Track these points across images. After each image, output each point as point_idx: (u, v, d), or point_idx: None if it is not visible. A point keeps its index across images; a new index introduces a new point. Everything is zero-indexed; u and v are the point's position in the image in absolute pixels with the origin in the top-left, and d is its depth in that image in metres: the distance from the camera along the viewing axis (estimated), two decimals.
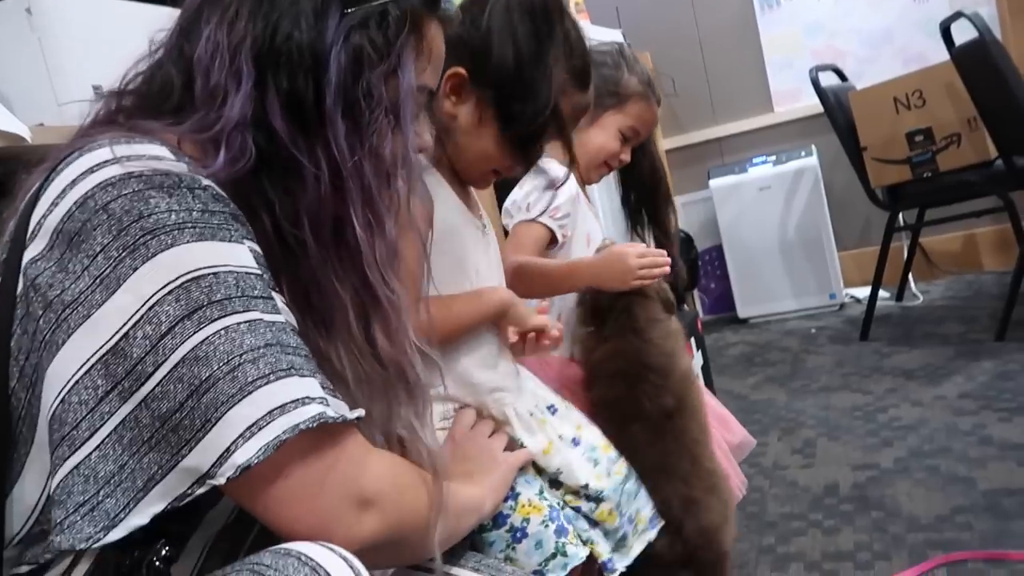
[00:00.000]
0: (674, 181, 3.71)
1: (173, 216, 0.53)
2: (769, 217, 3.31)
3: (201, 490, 0.51)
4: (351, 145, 0.60)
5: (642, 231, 1.59)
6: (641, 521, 1.07)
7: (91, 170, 0.55)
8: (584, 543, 0.95)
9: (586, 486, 0.98)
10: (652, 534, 1.07)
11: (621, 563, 1.01)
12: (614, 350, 1.31)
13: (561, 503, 0.97)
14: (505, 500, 0.88)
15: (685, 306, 3.11)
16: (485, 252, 1.05)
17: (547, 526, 0.89)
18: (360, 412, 0.58)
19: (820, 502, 1.69)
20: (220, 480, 0.50)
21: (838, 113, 2.77)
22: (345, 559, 0.53)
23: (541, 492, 0.93)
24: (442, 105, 0.94)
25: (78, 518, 0.51)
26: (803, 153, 3.27)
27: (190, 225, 0.54)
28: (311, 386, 0.54)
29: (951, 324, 2.73)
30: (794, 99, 3.48)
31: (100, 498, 0.51)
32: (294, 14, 0.61)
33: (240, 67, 0.59)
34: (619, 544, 1.02)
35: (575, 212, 1.43)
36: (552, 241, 1.39)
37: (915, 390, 2.18)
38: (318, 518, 0.55)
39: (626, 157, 1.50)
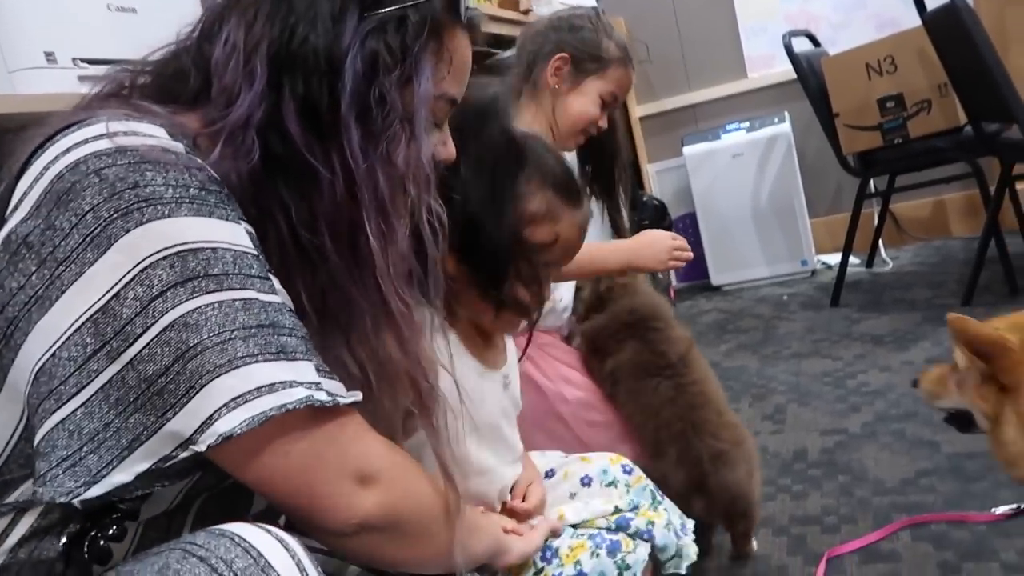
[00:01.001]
0: (648, 148, 3.70)
1: (170, 191, 0.53)
2: (742, 184, 3.32)
3: (185, 454, 0.51)
4: (364, 151, 0.60)
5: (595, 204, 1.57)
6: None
7: (85, 141, 0.54)
8: (639, 540, 0.91)
9: (616, 508, 0.95)
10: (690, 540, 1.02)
11: (682, 566, 0.98)
12: (617, 310, 1.39)
13: (597, 531, 0.92)
14: (549, 562, 0.85)
15: (659, 274, 3.12)
16: (500, 404, 0.95)
17: (598, 555, 0.87)
18: (356, 395, 0.58)
19: (789, 467, 1.72)
20: (201, 447, 0.51)
21: (811, 79, 2.76)
22: (281, 541, 0.53)
23: (575, 534, 0.90)
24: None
25: (60, 472, 0.51)
26: (776, 120, 3.27)
27: (187, 200, 0.54)
28: (302, 369, 0.55)
29: (920, 289, 2.77)
30: (767, 65, 3.46)
31: (83, 454, 0.51)
32: (311, 17, 0.60)
33: (254, 68, 0.59)
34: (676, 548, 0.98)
35: None
36: None
37: (883, 356, 2.21)
38: (316, 491, 0.56)
39: (604, 123, 1.49)
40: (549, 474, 1.03)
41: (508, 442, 0.97)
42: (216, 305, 0.52)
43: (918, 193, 3.07)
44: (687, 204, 3.51)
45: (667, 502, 1.01)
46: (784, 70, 3.16)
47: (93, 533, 0.55)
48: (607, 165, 1.56)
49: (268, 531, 0.53)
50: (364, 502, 0.57)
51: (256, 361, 0.52)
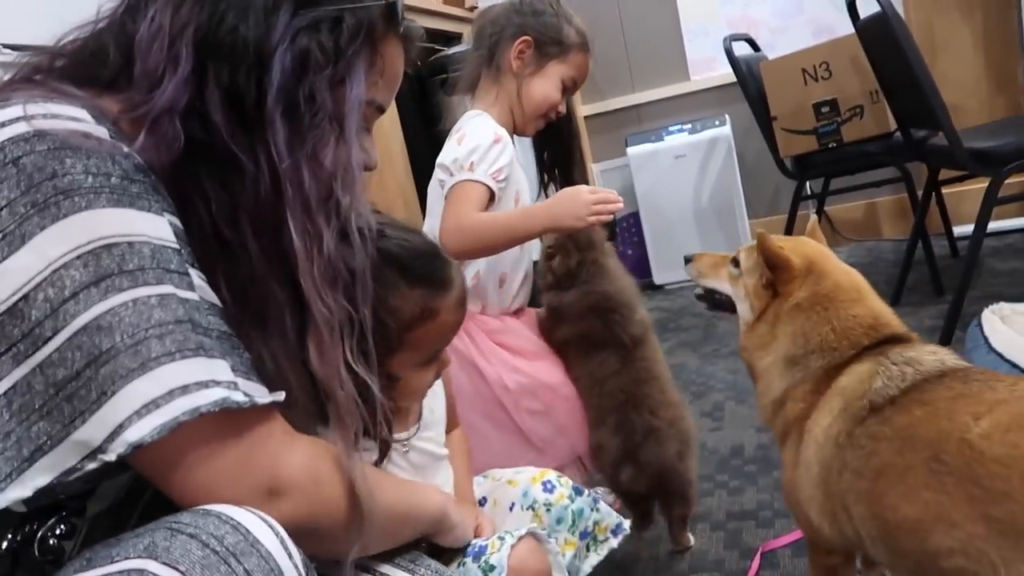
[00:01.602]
0: (593, 148, 3.73)
1: (90, 179, 0.51)
2: (684, 185, 3.37)
3: (92, 465, 0.49)
4: (290, 147, 0.59)
5: (553, 190, 1.59)
6: (601, 531, 1.04)
7: (2, 125, 0.52)
8: None
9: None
10: (615, 542, 1.05)
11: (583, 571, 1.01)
12: (587, 291, 1.41)
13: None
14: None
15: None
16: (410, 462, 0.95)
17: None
18: (279, 396, 0.56)
19: (727, 463, 1.76)
20: (111, 456, 0.49)
21: (750, 83, 2.83)
22: (265, 520, 0.53)
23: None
24: None
25: None
26: (717, 123, 3.33)
27: (108, 190, 0.51)
28: (219, 368, 0.53)
29: None
30: (709, 68, 3.53)
31: None
32: (243, 6, 0.59)
33: (179, 52, 0.57)
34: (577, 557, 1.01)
35: (512, 172, 1.42)
36: (490, 201, 1.38)
37: None
38: (225, 501, 0.54)
39: (563, 109, 1.50)
40: (482, 502, 1.03)
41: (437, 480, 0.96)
42: (131, 304, 0.51)
43: (851, 196, 3.17)
44: (630, 203, 3.55)
45: (581, 499, 1.02)
46: (725, 73, 3.22)
47: (40, 533, 0.54)
48: (565, 149, 1.57)
49: (251, 511, 0.53)
50: (271, 514, 0.55)
51: (172, 360, 0.51)
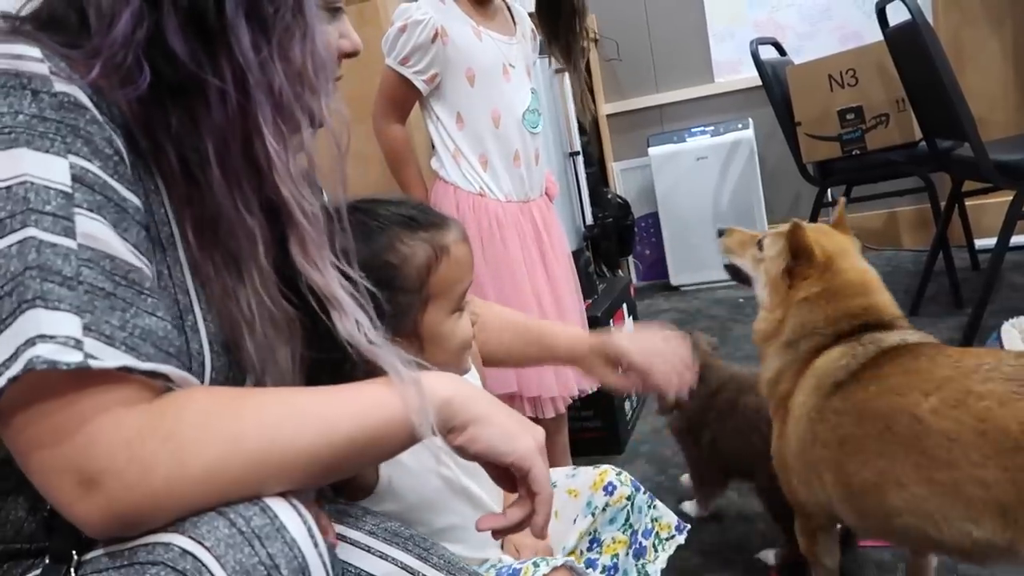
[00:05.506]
0: (613, 147, 3.73)
1: None
2: (704, 187, 3.37)
3: None
4: (256, 46, 0.57)
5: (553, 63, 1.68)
6: (663, 529, 1.03)
7: None
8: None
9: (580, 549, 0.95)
10: (681, 539, 1.04)
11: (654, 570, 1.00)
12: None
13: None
14: None
15: (619, 272, 3.15)
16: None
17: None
18: (126, 361, 0.49)
19: None
20: None
21: (775, 87, 2.82)
22: (294, 506, 0.53)
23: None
24: None
25: None
26: (740, 125, 3.32)
27: (7, 131, 0.50)
28: (54, 321, 0.47)
29: None
30: (734, 71, 3.52)
31: None
32: None
33: None
34: (638, 553, 1.00)
35: (441, 51, 1.46)
36: (412, 89, 1.48)
37: None
38: (45, 488, 0.49)
39: None
40: None
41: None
42: None
43: (872, 204, 3.15)
44: (650, 204, 3.55)
45: (640, 497, 1.01)
46: (749, 76, 3.21)
47: None
48: (567, 24, 1.60)
49: (283, 495, 0.53)
50: (81, 511, 0.48)
51: (15, 319, 0.47)
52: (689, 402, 1.45)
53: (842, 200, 1.29)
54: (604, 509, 0.99)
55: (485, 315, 1.04)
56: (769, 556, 1.43)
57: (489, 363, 1.06)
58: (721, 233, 1.30)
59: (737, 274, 1.27)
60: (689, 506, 1.60)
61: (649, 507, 1.02)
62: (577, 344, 1.06)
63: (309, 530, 0.52)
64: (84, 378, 0.48)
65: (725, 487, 1.57)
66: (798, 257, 1.10)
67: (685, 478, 1.70)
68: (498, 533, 0.69)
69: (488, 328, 1.04)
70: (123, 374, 0.50)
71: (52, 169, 0.51)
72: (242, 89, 0.57)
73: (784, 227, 1.14)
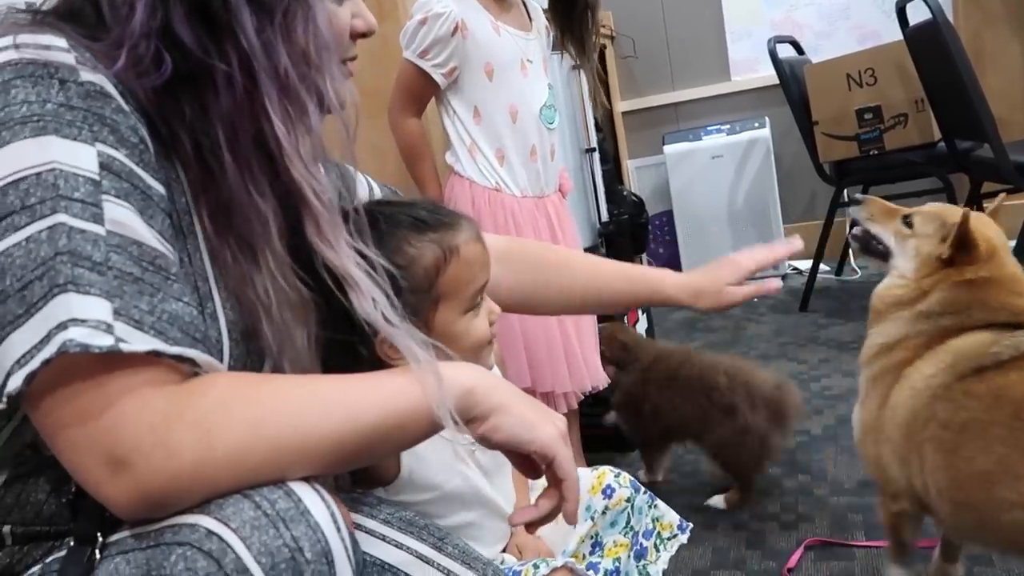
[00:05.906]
0: (629, 145, 3.72)
1: (24, 108, 0.51)
2: (720, 185, 3.35)
3: None
4: (259, 30, 0.57)
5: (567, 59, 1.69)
6: (665, 528, 1.04)
7: None
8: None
9: (582, 553, 0.95)
10: (684, 538, 1.04)
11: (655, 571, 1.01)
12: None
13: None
14: None
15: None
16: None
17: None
18: (155, 345, 0.50)
19: None
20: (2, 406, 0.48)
21: (792, 86, 2.80)
22: (318, 491, 0.53)
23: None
24: None
25: None
26: (756, 124, 3.31)
27: (35, 119, 0.51)
28: (86, 305, 0.48)
29: None
30: (751, 69, 3.50)
31: None
32: None
33: None
34: (640, 555, 1.00)
35: (461, 45, 1.46)
36: (430, 82, 1.48)
37: (847, 361, 2.26)
38: (74, 469, 0.50)
39: None
40: None
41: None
42: (23, 243, 0.49)
43: None
44: (664, 202, 3.54)
45: (640, 498, 1.01)
46: (766, 75, 3.19)
47: None
48: (580, 19, 1.59)
49: (306, 480, 0.53)
50: (112, 492, 0.49)
51: (46, 302, 0.48)
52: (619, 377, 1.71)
53: (1002, 195, 1.29)
54: (604, 512, 0.98)
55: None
56: (719, 501, 1.59)
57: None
58: (859, 201, 1.27)
59: (868, 243, 1.24)
60: (717, 499, 1.60)
61: (650, 507, 1.02)
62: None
63: (332, 515, 0.53)
64: (114, 361, 0.49)
65: (668, 452, 1.76)
66: (963, 248, 1.08)
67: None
68: (532, 526, 0.69)
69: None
70: (151, 358, 0.50)
71: (80, 156, 0.51)
72: (248, 73, 0.57)
73: (936, 207, 1.16)
